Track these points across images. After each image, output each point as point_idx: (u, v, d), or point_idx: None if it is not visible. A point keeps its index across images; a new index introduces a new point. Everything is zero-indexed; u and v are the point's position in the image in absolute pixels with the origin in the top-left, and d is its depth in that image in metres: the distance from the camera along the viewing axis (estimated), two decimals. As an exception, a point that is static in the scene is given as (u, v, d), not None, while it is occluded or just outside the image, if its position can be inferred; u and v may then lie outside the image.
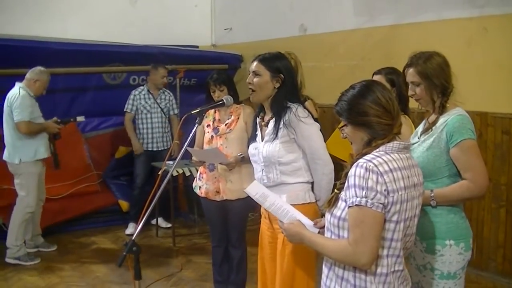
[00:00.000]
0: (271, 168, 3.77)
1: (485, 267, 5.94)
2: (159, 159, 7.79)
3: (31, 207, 6.71)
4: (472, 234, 3.36)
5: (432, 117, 3.41)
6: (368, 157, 2.57)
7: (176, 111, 8.19)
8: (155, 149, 7.97)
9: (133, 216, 7.94)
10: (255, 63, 3.80)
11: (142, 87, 8.01)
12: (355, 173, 2.53)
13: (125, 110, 7.94)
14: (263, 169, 3.82)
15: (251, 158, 4.00)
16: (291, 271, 3.71)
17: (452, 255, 3.23)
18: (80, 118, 6.99)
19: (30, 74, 6.67)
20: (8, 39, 7.40)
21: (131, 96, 7.93)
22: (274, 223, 3.81)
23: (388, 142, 2.63)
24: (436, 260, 3.27)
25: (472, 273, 5.60)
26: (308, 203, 3.75)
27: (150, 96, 7.92)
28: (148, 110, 7.90)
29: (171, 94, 8.18)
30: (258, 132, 3.92)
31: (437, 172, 3.27)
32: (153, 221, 7.94)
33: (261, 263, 4.04)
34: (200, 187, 5.15)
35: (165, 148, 8.00)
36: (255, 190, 3.50)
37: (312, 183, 3.81)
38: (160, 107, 7.93)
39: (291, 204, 3.49)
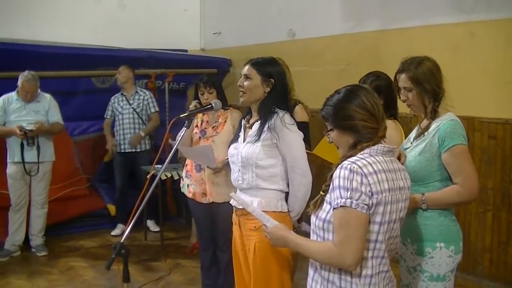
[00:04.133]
0: (247, 170, 3.76)
1: (472, 271, 5.97)
2: (137, 161, 7.89)
3: (11, 205, 6.95)
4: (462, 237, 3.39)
5: (424, 122, 3.43)
6: (352, 159, 2.59)
7: (153, 110, 8.15)
8: (127, 150, 7.98)
9: (120, 217, 8.03)
10: (247, 66, 3.81)
11: (119, 92, 8.10)
12: (339, 174, 2.55)
13: (104, 116, 8.13)
14: (239, 170, 3.82)
15: (229, 158, 3.99)
16: (265, 277, 3.71)
17: (442, 258, 3.26)
18: (31, 127, 6.77)
19: None
20: (-4, 43, 7.40)
21: (109, 102, 8.09)
22: (243, 229, 3.82)
23: (373, 145, 2.65)
24: (426, 262, 3.29)
25: (459, 277, 5.62)
26: (280, 211, 3.73)
27: (123, 98, 8.01)
28: (120, 112, 7.99)
29: (147, 93, 8.16)
30: (241, 134, 3.92)
31: (429, 177, 3.29)
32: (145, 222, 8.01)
33: (237, 269, 4.04)
34: (188, 185, 5.15)
35: (141, 149, 8.03)
36: (237, 197, 3.55)
37: (287, 193, 3.80)
38: (132, 108, 7.95)
39: (262, 211, 3.53)
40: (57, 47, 7.89)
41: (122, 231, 7.67)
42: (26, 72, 6.74)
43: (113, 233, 8.00)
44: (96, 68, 8.24)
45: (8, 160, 6.88)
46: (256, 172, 3.74)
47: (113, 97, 8.07)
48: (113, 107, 8.03)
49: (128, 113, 7.96)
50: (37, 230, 7.18)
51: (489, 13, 5.66)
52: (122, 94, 8.03)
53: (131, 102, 7.98)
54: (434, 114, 3.35)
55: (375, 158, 2.61)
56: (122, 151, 8.01)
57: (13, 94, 6.85)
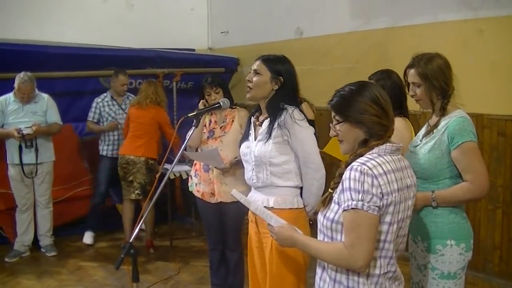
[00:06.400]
0: (261, 168, 3.75)
1: (481, 268, 5.96)
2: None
3: (18, 207, 7.00)
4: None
5: (433, 120, 3.43)
6: (361, 160, 2.56)
7: None
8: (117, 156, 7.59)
9: (92, 224, 7.80)
10: (257, 62, 3.81)
11: (105, 94, 7.79)
12: (349, 176, 2.52)
13: (87, 119, 7.71)
14: (253, 169, 3.81)
15: (242, 158, 3.99)
16: (281, 276, 3.70)
17: (452, 255, 3.25)
18: (28, 130, 6.72)
19: None
20: (4, 43, 7.39)
21: (94, 104, 7.69)
22: (260, 227, 3.81)
23: (382, 144, 2.62)
24: (437, 259, 3.29)
25: (469, 274, 5.58)
26: (296, 208, 3.73)
27: (114, 102, 7.71)
28: (113, 117, 7.64)
29: (133, 96, 7.82)
30: (252, 132, 3.91)
31: (439, 174, 3.29)
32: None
33: (251, 267, 4.02)
34: (196, 184, 5.14)
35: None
36: (239, 195, 3.52)
37: (301, 188, 3.79)
38: (126, 113, 7.56)
39: (278, 208, 3.56)
40: (64, 47, 7.88)
41: (92, 238, 7.73)
42: (22, 74, 6.68)
43: (84, 240, 7.76)
44: (103, 68, 8.21)
45: (8, 162, 6.90)
46: (270, 170, 3.73)
47: (99, 100, 7.71)
48: (102, 110, 7.68)
49: (123, 119, 7.58)
50: (45, 230, 7.21)
51: (498, 10, 5.64)
52: (112, 98, 7.72)
53: (124, 107, 7.72)
54: (443, 111, 3.34)
55: (384, 158, 2.59)
56: (114, 156, 7.61)
57: (10, 96, 6.82)
